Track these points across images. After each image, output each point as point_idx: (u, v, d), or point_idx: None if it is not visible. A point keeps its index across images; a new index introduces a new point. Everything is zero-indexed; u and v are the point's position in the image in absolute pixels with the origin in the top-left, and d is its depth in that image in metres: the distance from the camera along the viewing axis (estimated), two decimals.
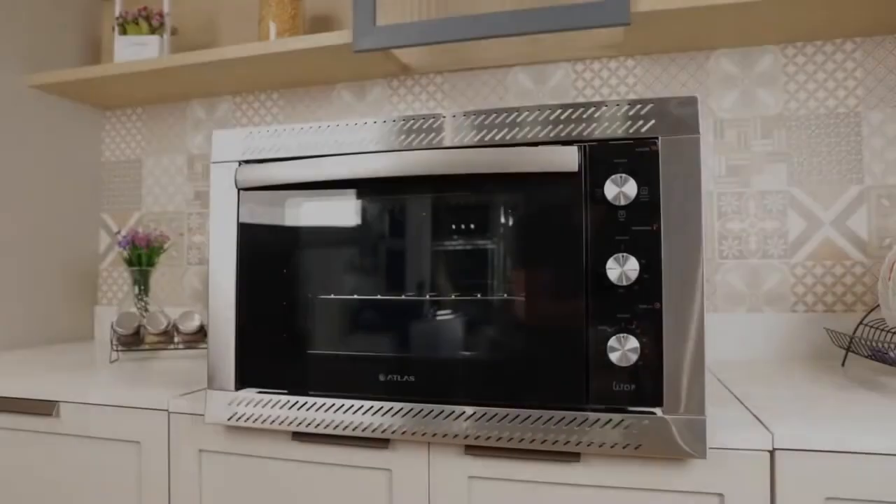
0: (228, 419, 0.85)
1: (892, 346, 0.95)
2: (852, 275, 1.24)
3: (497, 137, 0.77)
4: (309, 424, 0.82)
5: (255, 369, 0.86)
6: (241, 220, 0.86)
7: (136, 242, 1.36)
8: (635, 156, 0.73)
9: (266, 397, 0.84)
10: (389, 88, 1.52)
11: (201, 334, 1.30)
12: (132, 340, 1.26)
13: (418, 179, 0.80)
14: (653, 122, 0.72)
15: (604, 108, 0.74)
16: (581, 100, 1.40)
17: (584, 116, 0.75)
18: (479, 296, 0.80)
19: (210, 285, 0.87)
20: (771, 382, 0.99)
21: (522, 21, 1.15)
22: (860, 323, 1.10)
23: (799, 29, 1.22)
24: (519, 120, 0.77)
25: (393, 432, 0.78)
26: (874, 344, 1.01)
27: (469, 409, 0.76)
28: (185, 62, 1.35)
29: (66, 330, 1.59)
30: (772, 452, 0.71)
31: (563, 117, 0.75)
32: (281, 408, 0.83)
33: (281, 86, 1.57)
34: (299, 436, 0.85)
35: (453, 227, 0.81)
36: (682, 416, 0.70)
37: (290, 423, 0.82)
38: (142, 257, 1.37)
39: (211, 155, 0.88)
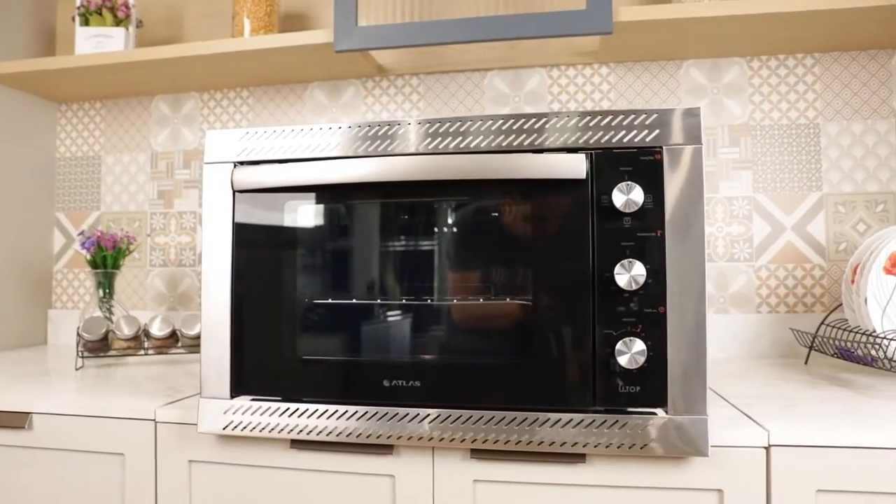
0: (224, 428, 0.82)
1: (859, 344, 1.01)
2: (812, 277, 1.31)
3: (514, 144, 0.78)
4: (310, 432, 0.80)
5: (251, 376, 0.83)
6: (236, 223, 0.84)
7: (101, 244, 1.30)
8: (640, 164, 0.75)
9: (264, 405, 0.82)
10: (364, 89, 1.50)
11: (173, 339, 1.25)
12: (99, 346, 1.20)
13: (424, 184, 0.80)
14: (657, 131, 0.75)
15: (609, 117, 0.76)
16: (556, 105, 1.42)
17: (591, 125, 0.76)
18: (481, 300, 0.80)
19: (203, 289, 0.84)
20: (746, 381, 1.04)
21: (510, 26, 1.16)
22: (822, 323, 1.17)
23: (763, 43, 1.29)
24: (528, 126, 0.78)
25: (398, 438, 0.78)
26: (840, 343, 1.07)
27: (477, 413, 0.76)
28: (156, 56, 1.30)
29: (17, 335, 1.50)
30: (767, 449, 0.74)
31: (579, 125, 0.77)
32: (280, 415, 0.81)
33: (251, 83, 1.53)
34: (298, 443, 0.83)
35: (457, 231, 0.81)
36: (685, 415, 0.73)
37: (290, 430, 0.81)
38: (107, 259, 1.31)
39: (204, 155, 0.85)
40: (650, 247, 0.74)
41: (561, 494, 0.78)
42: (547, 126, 0.77)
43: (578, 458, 0.76)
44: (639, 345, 0.73)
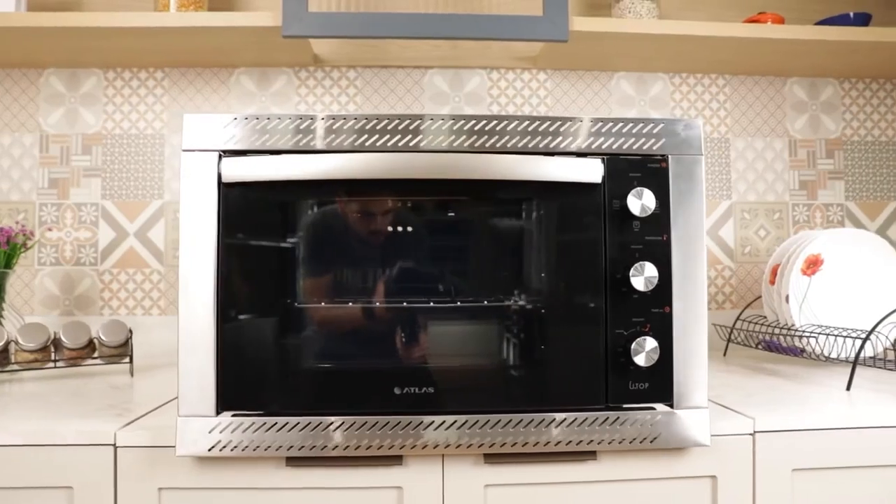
0: (209, 449, 0.73)
1: (783, 338, 1.14)
2: (722, 277, 1.45)
3: (540, 146, 0.78)
4: (313, 448, 0.74)
5: (239, 389, 0.75)
6: (223, 219, 0.75)
7: None
8: (648, 170, 0.78)
9: (257, 420, 0.74)
10: (297, 79, 1.42)
11: (89, 349, 1.09)
12: None
13: (436, 182, 0.77)
14: (663, 140, 0.79)
15: (620, 124, 0.78)
16: (495, 107, 1.44)
17: (604, 131, 0.78)
18: (486, 302, 0.79)
19: (181, 293, 0.74)
20: None
21: (473, 25, 1.16)
22: (737, 318, 1.30)
23: (686, 61, 1.40)
24: (536, 128, 0.78)
25: (412, 448, 0.74)
26: (761, 336, 1.20)
27: (494, 417, 0.75)
28: (60, 24, 1.13)
29: None
30: (753, 435, 0.81)
31: (591, 130, 0.78)
32: (277, 431, 0.74)
33: (167, 64, 1.38)
34: (294, 461, 0.76)
35: (468, 233, 0.79)
36: (688, 408, 0.77)
37: (289, 447, 0.74)
38: None
39: (182, 141, 0.75)
40: (658, 250, 0.78)
41: (572, 492, 0.79)
42: (562, 130, 0.78)
43: (590, 455, 0.78)
44: (651, 343, 0.76)
